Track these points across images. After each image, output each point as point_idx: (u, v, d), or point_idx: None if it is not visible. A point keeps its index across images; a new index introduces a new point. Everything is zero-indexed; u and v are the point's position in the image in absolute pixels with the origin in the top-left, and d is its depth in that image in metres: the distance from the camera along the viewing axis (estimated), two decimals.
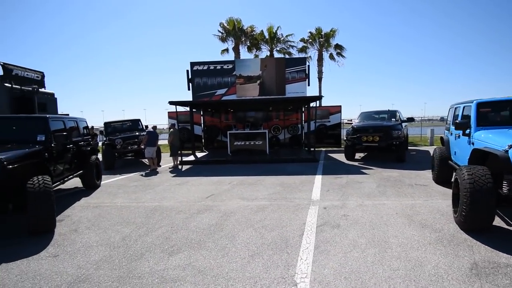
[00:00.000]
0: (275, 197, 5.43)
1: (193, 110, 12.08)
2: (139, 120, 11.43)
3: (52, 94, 14.28)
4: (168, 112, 14.43)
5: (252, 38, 21.27)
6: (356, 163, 9.22)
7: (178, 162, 9.99)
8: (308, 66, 11.98)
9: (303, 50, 22.62)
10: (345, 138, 9.96)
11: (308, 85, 11.89)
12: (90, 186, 6.26)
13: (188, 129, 12.58)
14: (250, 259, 2.97)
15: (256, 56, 22.04)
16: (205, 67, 11.94)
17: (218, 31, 21.21)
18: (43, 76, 13.73)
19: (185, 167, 9.59)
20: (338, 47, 21.81)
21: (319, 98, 9.69)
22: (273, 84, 11.96)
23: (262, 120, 13.60)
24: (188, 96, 12.44)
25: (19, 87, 12.45)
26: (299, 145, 13.93)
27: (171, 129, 9.97)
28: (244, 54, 22.43)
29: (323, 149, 13.29)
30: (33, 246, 3.44)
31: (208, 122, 14.28)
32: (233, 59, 19.52)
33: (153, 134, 9.41)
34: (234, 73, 11.93)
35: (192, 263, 2.92)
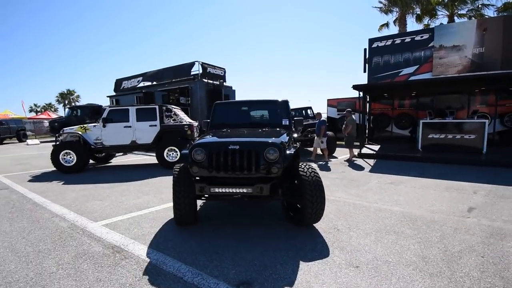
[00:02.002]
0: None
1: (366, 96, 10.49)
2: (310, 108, 11.12)
3: (231, 87, 16.82)
4: (328, 99, 13.64)
5: (427, 2, 16.90)
6: None
7: (356, 154, 8.84)
8: None
9: (507, 8, 15.87)
10: None
11: None
12: None
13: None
14: None
15: (427, 26, 17.51)
16: (389, 42, 9.91)
17: (379, 1, 18.26)
18: (224, 71, 16.22)
19: (366, 162, 8.30)
20: None
21: None
22: (497, 54, 8.34)
23: (462, 106, 10.14)
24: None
25: (211, 82, 15.37)
26: None
27: (348, 117, 8.84)
28: (412, 25, 18.33)
29: None
30: (306, 244, 3.03)
31: (376, 109, 12.29)
32: (396, 32, 16.23)
33: (325, 124, 8.70)
34: (431, 44, 9.25)
35: None
